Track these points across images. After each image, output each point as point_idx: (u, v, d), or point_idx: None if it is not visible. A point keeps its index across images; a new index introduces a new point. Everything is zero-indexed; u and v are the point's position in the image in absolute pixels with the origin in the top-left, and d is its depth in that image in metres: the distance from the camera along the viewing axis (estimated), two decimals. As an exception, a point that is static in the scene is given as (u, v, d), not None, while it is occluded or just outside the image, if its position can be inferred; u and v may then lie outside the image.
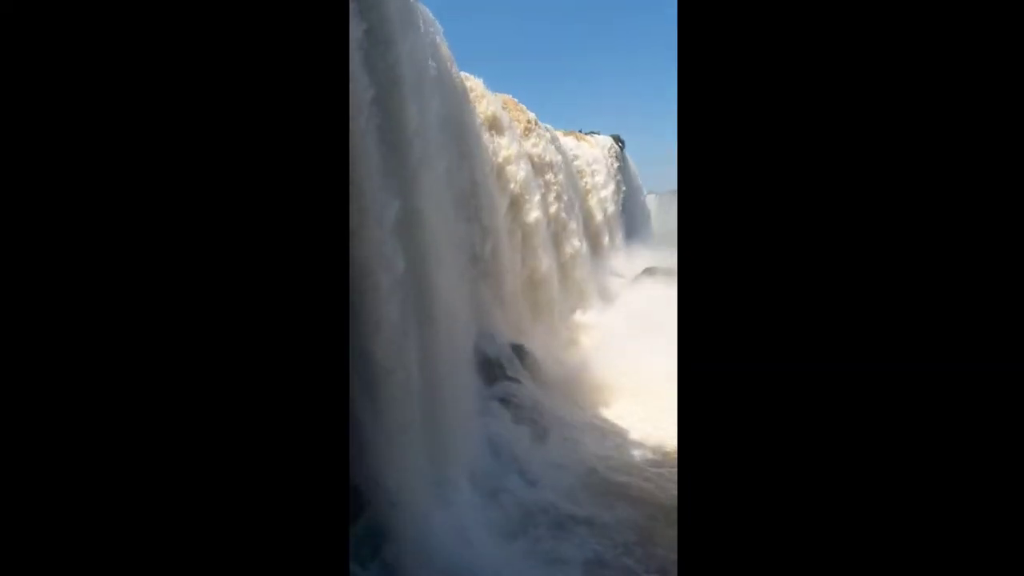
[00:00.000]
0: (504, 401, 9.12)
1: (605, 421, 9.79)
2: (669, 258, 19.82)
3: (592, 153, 22.65)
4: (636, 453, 8.66)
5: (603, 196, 21.60)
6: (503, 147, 12.28)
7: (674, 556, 5.94)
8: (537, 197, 13.48)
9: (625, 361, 11.15)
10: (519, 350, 10.46)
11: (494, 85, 13.06)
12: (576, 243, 15.40)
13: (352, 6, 4.93)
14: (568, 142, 20.45)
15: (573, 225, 15.56)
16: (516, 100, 15.22)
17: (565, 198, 15.61)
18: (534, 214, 12.71)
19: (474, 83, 12.14)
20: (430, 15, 9.02)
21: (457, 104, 9.81)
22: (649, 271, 18.97)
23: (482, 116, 11.74)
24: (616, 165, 25.32)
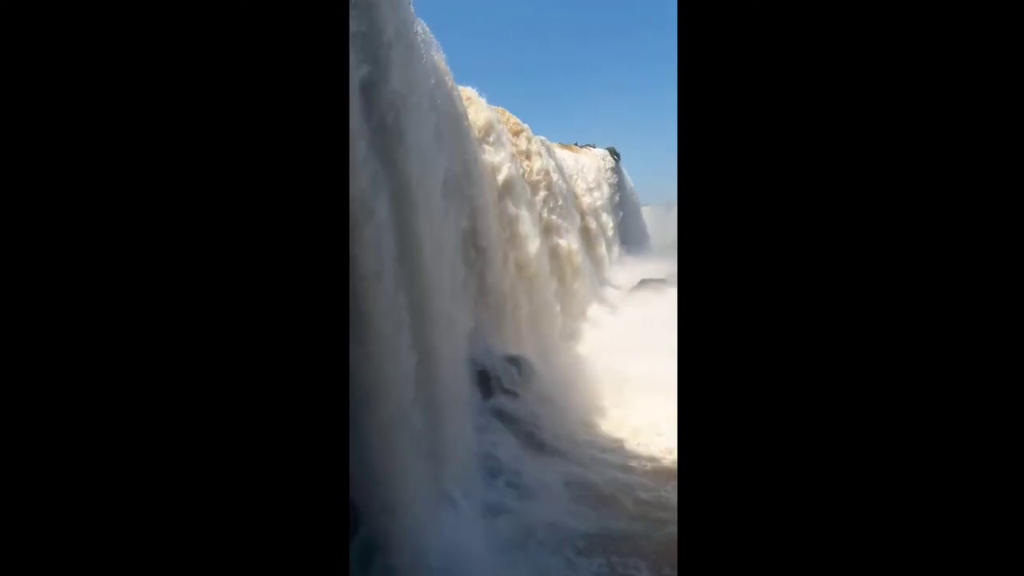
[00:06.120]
0: (501, 414, 9.08)
1: (603, 434, 9.74)
2: (666, 269, 19.87)
3: (588, 165, 22.78)
4: (634, 465, 8.61)
5: (599, 208, 21.68)
6: (498, 159, 12.31)
7: (674, 572, 5.89)
8: (533, 211, 13.51)
9: (622, 373, 11.13)
10: (516, 362, 10.43)
11: (490, 100, 13.17)
12: (572, 255, 15.42)
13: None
14: (563, 154, 20.56)
15: (570, 237, 15.59)
16: (509, 112, 15.28)
17: (561, 211, 15.63)
18: (530, 228, 12.73)
19: (471, 95, 12.21)
20: (428, 31, 9.10)
21: (454, 119, 9.86)
22: (646, 282, 18.99)
23: (476, 127, 11.80)
24: (612, 177, 25.47)
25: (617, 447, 9.23)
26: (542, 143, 16.64)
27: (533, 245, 12.62)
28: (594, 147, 26.78)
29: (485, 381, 9.43)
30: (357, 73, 5.13)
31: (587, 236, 19.24)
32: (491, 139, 12.33)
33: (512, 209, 12.29)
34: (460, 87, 11.42)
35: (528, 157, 15.18)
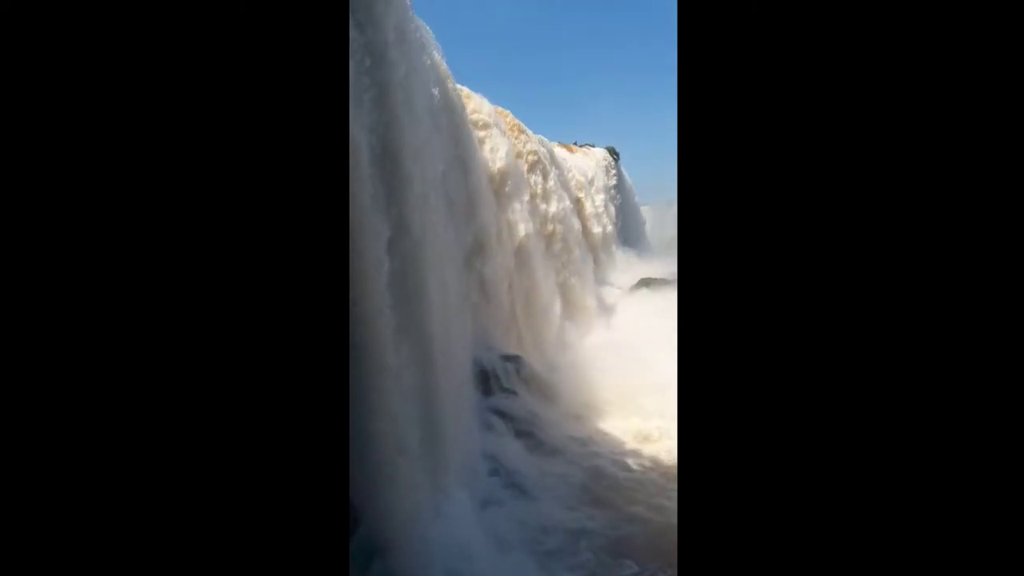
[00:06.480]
0: (500, 413, 9.08)
1: (601, 432, 9.74)
2: (665, 268, 19.87)
3: (587, 165, 22.74)
4: (633, 463, 8.62)
5: (598, 207, 21.65)
6: (515, 213, 12.00)
7: (674, 569, 5.89)
8: (533, 210, 13.44)
9: (621, 373, 11.13)
10: (515, 362, 10.43)
11: (492, 100, 12.98)
12: (572, 255, 15.39)
13: (352, 34, 4.96)
14: (562, 153, 20.51)
15: (569, 237, 15.54)
16: (510, 113, 15.14)
17: (561, 210, 15.56)
18: (530, 227, 12.68)
19: (486, 119, 11.97)
20: (430, 33, 9.09)
21: (453, 116, 9.85)
22: (645, 282, 18.99)
23: (493, 172, 11.42)
24: (611, 177, 25.45)
25: (616, 445, 9.23)
26: (541, 143, 16.50)
27: (533, 245, 12.55)
28: (593, 146, 26.76)
29: (484, 380, 9.43)
30: (382, 238, 5.21)
31: (587, 236, 19.17)
32: (508, 189, 11.82)
33: (512, 209, 12.19)
34: (461, 87, 11.36)
35: (546, 199, 14.56)
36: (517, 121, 14.68)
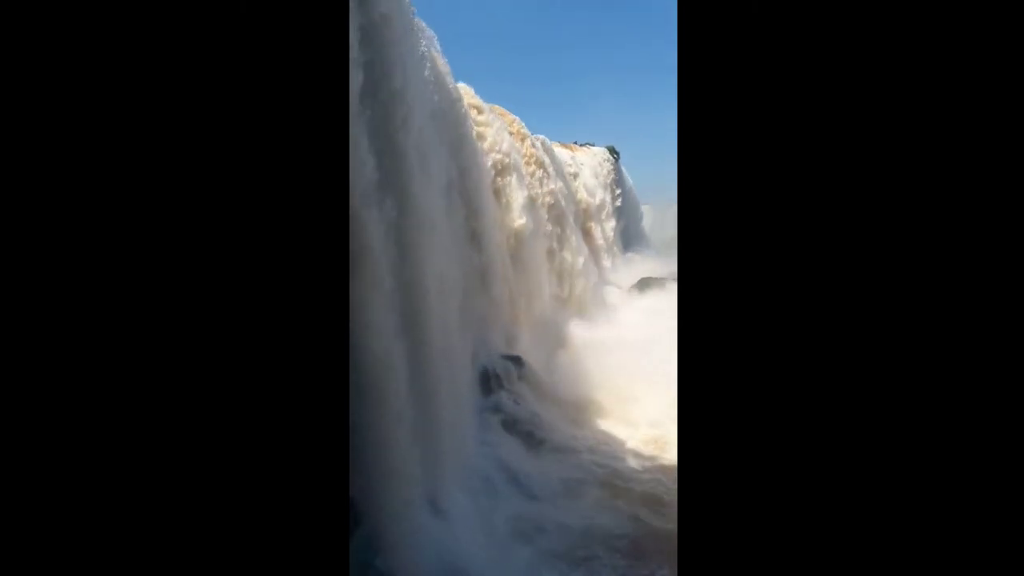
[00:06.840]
0: (501, 413, 9.08)
1: (601, 433, 9.74)
2: (665, 267, 19.88)
3: (588, 164, 22.73)
4: (633, 463, 8.62)
5: (599, 207, 21.64)
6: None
7: (673, 569, 5.89)
8: (533, 209, 13.40)
9: (622, 373, 11.13)
10: (516, 362, 10.43)
11: (488, 99, 12.81)
12: (573, 254, 15.39)
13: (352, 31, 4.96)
14: (563, 153, 20.48)
15: (570, 236, 15.52)
16: (507, 111, 15.01)
17: (561, 210, 15.51)
18: (530, 226, 12.65)
19: (491, 124, 11.86)
20: (427, 29, 9.08)
21: (453, 114, 9.84)
22: (645, 281, 19.01)
23: (512, 224, 11.04)
24: (611, 176, 25.46)
25: (616, 445, 9.23)
26: (539, 141, 16.40)
27: (534, 245, 12.49)
28: (593, 145, 26.76)
29: (485, 380, 9.43)
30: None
31: (587, 235, 19.13)
32: (524, 254, 11.39)
33: (512, 207, 12.08)
34: (459, 84, 11.29)
35: (563, 246, 14.06)
36: (534, 151, 13.96)
